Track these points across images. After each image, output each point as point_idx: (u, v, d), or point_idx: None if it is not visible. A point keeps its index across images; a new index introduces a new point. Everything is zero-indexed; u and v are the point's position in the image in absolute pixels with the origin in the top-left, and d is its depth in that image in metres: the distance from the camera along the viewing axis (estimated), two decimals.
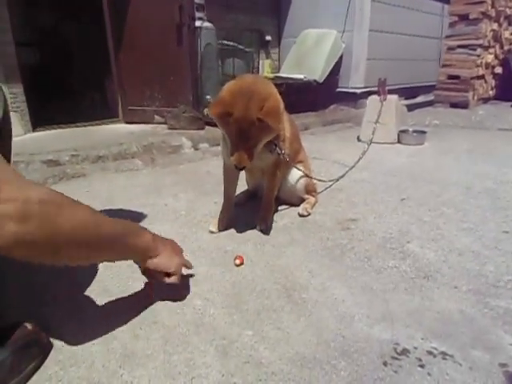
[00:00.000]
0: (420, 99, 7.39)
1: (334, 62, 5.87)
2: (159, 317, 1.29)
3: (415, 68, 7.15)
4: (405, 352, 1.13)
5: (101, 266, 1.60)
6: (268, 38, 6.68)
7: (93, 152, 3.30)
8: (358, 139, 3.95)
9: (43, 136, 4.07)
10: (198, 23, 4.72)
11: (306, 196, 2.18)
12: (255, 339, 1.19)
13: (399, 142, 3.74)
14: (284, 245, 1.77)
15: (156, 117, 4.92)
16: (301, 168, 2.06)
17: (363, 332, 1.21)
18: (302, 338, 1.19)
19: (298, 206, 2.15)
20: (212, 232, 1.83)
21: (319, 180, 2.25)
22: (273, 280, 1.50)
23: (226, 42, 5.43)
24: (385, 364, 1.09)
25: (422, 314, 1.30)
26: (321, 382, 1.03)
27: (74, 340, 1.18)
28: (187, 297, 1.39)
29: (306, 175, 2.09)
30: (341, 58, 6.07)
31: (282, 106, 1.68)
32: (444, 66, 5.94)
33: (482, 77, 5.91)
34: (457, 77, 5.79)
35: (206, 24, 4.88)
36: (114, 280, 1.50)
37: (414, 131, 3.82)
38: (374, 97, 3.79)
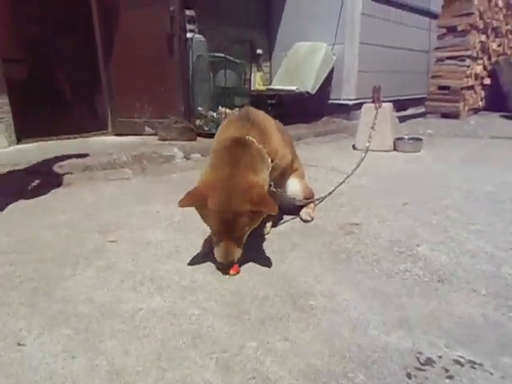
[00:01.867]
0: (410, 112, 7.46)
1: (325, 74, 5.89)
2: (151, 329, 1.15)
3: (405, 81, 7.24)
4: (429, 362, 1.01)
5: (88, 272, 1.45)
6: (259, 51, 6.71)
7: (79, 162, 3.18)
8: (354, 147, 3.90)
9: (28, 148, 3.92)
10: (189, 35, 4.70)
11: (304, 201, 2.08)
12: (260, 351, 1.05)
13: (395, 149, 3.70)
14: (285, 250, 1.66)
15: (146, 128, 4.82)
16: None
17: (380, 340, 1.09)
18: (312, 348, 1.07)
19: (294, 214, 2.04)
20: (202, 254, 1.61)
21: (317, 199, 2.15)
22: (276, 287, 1.37)
23: (217, 54, 5.42)
24: (409, 376, 0.97)
25: (442, 319, 1.18)
26: None
27: (52, 356, 1.03)
28: (181, 307, 1.26)
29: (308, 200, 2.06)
30: (332, 70, 6.10)
31: (269, 123, 1.69)
32: (434, 77, 6.02)
33: (471, 87, 5.99)
34: (447, 87, 5.86)
35: (197, 36, 4.86)
36: (103, 288, 1.36)
37: (410, 138, 3.78)
38: (369, 104, 3.76)
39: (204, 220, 1.44)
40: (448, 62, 5.83)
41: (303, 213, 2.01)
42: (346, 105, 6.17)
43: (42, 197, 2.40)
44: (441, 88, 5.93)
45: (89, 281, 1.42)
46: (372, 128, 3.51)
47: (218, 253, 1.41)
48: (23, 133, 4.08)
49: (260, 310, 1.23)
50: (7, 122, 3.98)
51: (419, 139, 3.76)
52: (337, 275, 1.45)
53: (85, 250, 1.67)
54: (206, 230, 1.57)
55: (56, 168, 2.87)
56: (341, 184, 2.52)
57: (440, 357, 1.03)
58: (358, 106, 5.86)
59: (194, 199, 1.38)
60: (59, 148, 3.89)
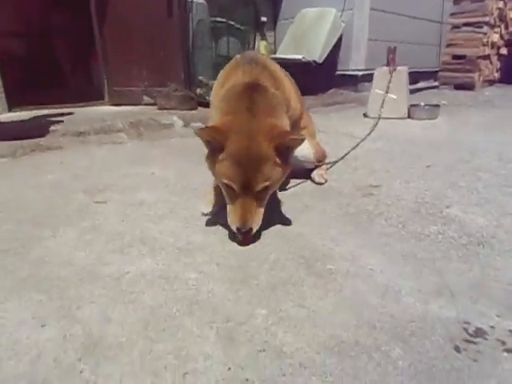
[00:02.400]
0: (421, 85, 7.13)
1: (333, 42, 5.55)
2: (139, 294, 0.96)
3: (416, 52, 6.87)
4: (480, 333, 0.82)
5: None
6: (263, 19, 6.34)
7: (73, 127, 2.95)
8: (365, 115, 3.64)
9: (19, 115, 3.69)
10: None
11: (317, 164, 1.87)
12: (271, 320, 0.86)
13: (410, 116, 3.44)
14: (296, 211, 1.45)
15: (145, 97, 4.55)
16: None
17: (417, 309, 0.90)
18: (334, 317, 0.87)
19: (303, 178, 1.82)
20: (204, 214, 1.42)
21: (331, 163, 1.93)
22: (287, 249, 1.17)
23: (219, 19, 5.09)
24: (457, 350, 0.77)
25: (489, 286, 0.98)
26: (372, 375, 0.71)
27: (17, 323, 0.84)
28: (176, 270, 1.06)
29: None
30: (340, 38, 5.76)
31: (278, 68, 1.52)
32: (448, 45, 5.68)
33: (487, 57, 5.66)
34: (462, 56, 5.53)
35: (199, 0, 4.54)
36: (85, 250, 1.17)
37: (426, 105, 3.52)
38: (383, 68, 3.48)
39: (216, 172, 1.20)
40: (464, 29, 5.48)
41: (315, 174, 1.80)
42: (355, 76, 5.85)
43: (30, 158, 2.19)
44: (456, 57, 5.60)
45: (70, 242, 1.22)
46: (386, 93, 3.25)
47: (232, 215, 1.18)
48: (15, 102, 3.85)
49: (270, 275, 1.04)
50: None
51: (436, 105, 3.49)
52: (358, 238, 1.24)
53: (68, 210, 1.47)
54: (205, 193, 1.36)
55: (47, 131, 2.66)
56: (355, 147, 2.30)
57: (492, 327, 0.83)
58: (368, 78, 5.55)
59: (214, 134, 1.15)
60: (52, 116, 3.66)
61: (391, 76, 3.34)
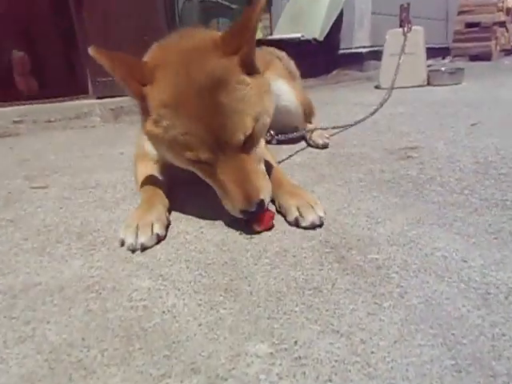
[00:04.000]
0: (430, 62, 6.65)
1: (334, 17, 5.09)
2: (41, 323, 0.53)
3: (423, 27, 6.41)
4: None
5: None
6: None
7: (43, 117, 2.54)
8: (377, 87, 3.19)
9: None
10: None
11: (306, 123, 1.46)
12: (278, 367, 0.43)
13: (429, 83, 2.98)
14: (308, 183, 1.02)
15: None
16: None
17: None
18: (403, 358, 0.44)
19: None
20: (139, 248, 0.72)
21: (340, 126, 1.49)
22: (301, 234, 0.75)
23: None
24: None
25: None
26: None
27: None
28: (117, 275, 0.64)
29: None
30: (341, 14, 5.30)
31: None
32: (460, 13, 5.19)
33: (503, 24, 5.17)
34: (476, 24, 5.03)
35: None
36: None
37: (448, 69, 3.06)
38: (395, 29, 3.04)
39: (161, 146, 0.77)
40: None
41: (315, 136, 1.39)
42: (360, 54, 5.38)
43: None
44: (469, 26, 5.11)
45: None
46: (400, 56, 2.80)
47: (225, 196, 0.75)
48: None
49: (273, 274, 0.61)
50: None
51: (460, 69, 3.03)
52: (408, 211, 0.81)
53: None
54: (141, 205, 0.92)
55: (4, 121, 2.25)
56: (373, 113, 1.86)
57: None
58: (374, 55, 5.09)
59: (122, 64, 0.71)
60: (29, 111, 3.25)
61: (405, 38, 2.89)
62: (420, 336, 0.47)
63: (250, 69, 0.73)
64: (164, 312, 0.54)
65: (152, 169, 0.94)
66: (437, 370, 0.42)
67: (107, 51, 0.70)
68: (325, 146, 1.36)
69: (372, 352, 0.45)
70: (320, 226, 0.76)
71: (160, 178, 0.93)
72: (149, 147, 0.87)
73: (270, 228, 0.77)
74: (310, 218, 0.76)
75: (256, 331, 0.49)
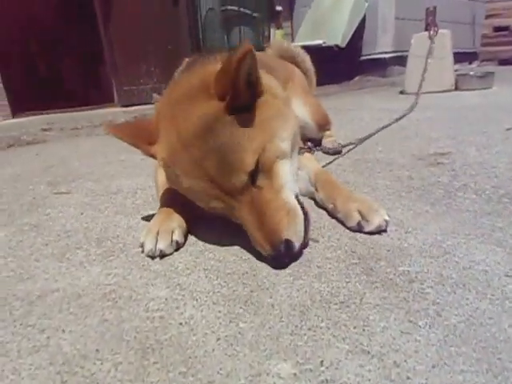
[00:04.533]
0: (456, 67, 6.46)
1: (357, 23, 5.04)
2: (55, 332, 0.52)
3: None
4: None
5: None
6: (279, 8, 5.93)
7: (70, 124, 2.61)
8: (402, 92, 3.11)
9: (20, 122, 3.42)
10: None
11: (321, 134, 1.44)
12: None
13: (457, 88, 2.88)
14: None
15: (154, 95, 4.21)
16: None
17: None
18: None
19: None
20: (159, 255, 0.71)
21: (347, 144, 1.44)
22: (326, 243, 0.71)
23: (230, 7, 4.72)
24: None
25: None
26: None
27: None
28: (134, 283, 0.62)
29: None
30: (363, 20, 5.24)
31: None
32: (488, 16, 5.03)
33: None
34: (505, 28, 4.86)
35: None
36: (7, 257, 0.75)
37: (477, 73, 2.94)
38: (421, 33, 2.96)
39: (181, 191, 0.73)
40: None
41: (326, 142, 1.40)
42: (382, 59, 5.29)
43: (5, 152, 1.83)
44: (497, 29, 4.94)
45: None
46: (427, 60, 2.72)
47: (251, 236, 0.66)
48: (20, 107, 3.59)
49: (296, 287, 0.57)
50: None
51: (490, 73, 2.91)
52: (442, 220, 0.76)
53: (16, 204, 1.07)
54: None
55: (33, 129, 2.32)
56: (399, 119, 1.80)
57: None
58: (397, 61, 4.99)
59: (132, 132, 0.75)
60: (57, 119, 3.36)
61: (432, 42, 2.80)
62: (462, 360, 0.42)
63: (255, 94, 0.68)
64: (181, 324, 0.52)
65: None
66: None
67: (117, 125, 0.76)
68: (336, 152, 1.31)
69: (408, 377, 0.40)
70: (385, 230, 0.72)
71: None
72: None
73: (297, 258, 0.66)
74: (375, 221, 0.71)
75: (278, 348, 0.46)
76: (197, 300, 0.57)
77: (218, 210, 0.70)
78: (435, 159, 1.16)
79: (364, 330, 0.48)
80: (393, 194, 0.92)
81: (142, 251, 0.71)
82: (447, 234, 0.70)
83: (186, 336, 0.49)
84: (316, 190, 0.87)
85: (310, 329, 0.49)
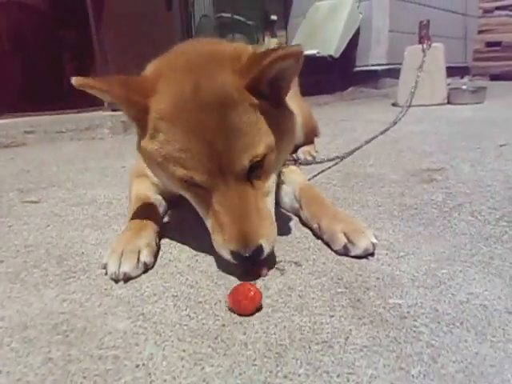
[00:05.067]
0: (448, 81, 6.53)
1: (351, 35, 5.05)
2: None
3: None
4: None
5: None
6: (273, 17, 5.93)
7: (54, 127, 2.52)
8: (394, 105, 3.09)
9: (5, 123, 3.32)
10: None
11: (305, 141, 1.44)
12: None
13: (449, 102, 2.87)
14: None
15: None
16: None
17: None
18: None
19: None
20: (125, 277, 0.63)
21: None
22: (309, 269, 0.64)
23: (224, 14, 4.71)
24: None
25: None
26: None
27: None
28: (90, 312, 0.55)
29: None
30: (357, 32, 5.26)
31: None
32: (481, 32, 5.10)
33: None
34: (498, 43, 4.92)
35: None
36: None
37: (469, 88, 2.94)
38: (414, 46, 2.95)
39: (153, 162, 0.66)
40: (497, 12, 4.90)
41: (300, 151, 1.38)
42: (375, 71, 5.31)
43: None
44: (489, 45, 5.00)
45: None
46: (419, 71, 2.71)
47: (218, 232, 0.62)
48: (5, 108, 3.48)
49: (273, 321, 0.51)
50: None
51: (482, 87, 2.91)
52: (435, 244, 0.70)
53: None
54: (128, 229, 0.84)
55: (14, 131, 2.23)
56: (386, 130, 1.76)
57: None
58: (390, 73, 5.00)
59: (122, 86, 0.62)
60: (41, 122, 3.26)
61: (424, 54, 2.80)
62: None
63: (276, 100, 0.65)
64: (137, 366, 0.44)
65: (148, 188, 0.86)
66: None
67: (94, 77, 0.63)
68: (307, 164, 1.28)
69: None
70: (372, 254, 0.67)
71: (155, 198, 0.84)
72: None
73: (266, 274, 0.62)
74: (362, 244, 0.66)
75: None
76: (160, 335, 0.49)
77: (188, 189, 0.65)
78: (428, 175, 1.11)
79: (349, 379, 0.41)
80: (384, 212, 0.86)
81: (106, 273, 0.64)
82: (442, 260, 0.64)
83: (141, 383, 0.42)
84: (300, 207, 0.80)
85: (286, 376, 0.42)
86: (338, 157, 1.33)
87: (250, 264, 0.60)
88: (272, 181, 0.67)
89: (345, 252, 0.67)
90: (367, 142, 1.54)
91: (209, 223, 0.65)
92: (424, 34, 2.83)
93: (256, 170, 0.62)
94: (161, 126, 0.61)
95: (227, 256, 0.61)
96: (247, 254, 0.58)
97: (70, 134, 2.24)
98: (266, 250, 0.60)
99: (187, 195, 0.67)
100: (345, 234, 0.67)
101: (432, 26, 5.77)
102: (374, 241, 0.67)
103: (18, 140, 2.04)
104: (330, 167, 1.26)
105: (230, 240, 0.59)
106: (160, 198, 0.86)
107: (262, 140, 0.61)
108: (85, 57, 4.67)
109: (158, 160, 0.64)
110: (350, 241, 0.67)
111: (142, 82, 0.65)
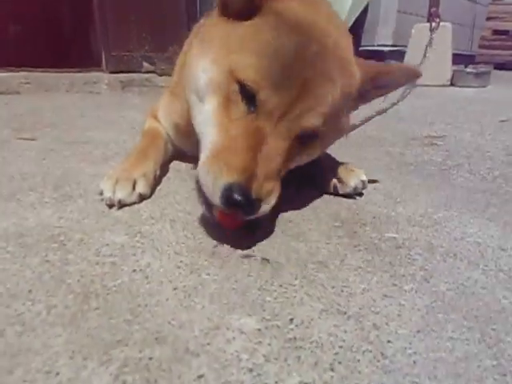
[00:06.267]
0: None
1: (358, 11, 4.94)
2: None
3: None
4: None
5: None
6: None
7: (49, 81, 2.46)
8: None
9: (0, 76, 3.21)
10: None
11: None
12: (268, 338, 0.33)
13: (453, 84, 2.85)
14: None
15: (145, 64, 4.02)
16: None
17: None
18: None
19: None
20: (120, 203, 0.61)
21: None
22: (305, 208, 0.65)
23: None
24: None
25: None
26: None
27: None
28: (89, 227, 0.55)
29: None
30: (365, 11, 5.14)
31: None
32: (489, 18, 5.01)
33: None
34: (505, 32, 4.85)
35: None
36: None
37: (474, 70, 2.92)
38: (422, 24, 2.90)
39: (227, 48, 0.53)
40: (508, 0, 4.80)
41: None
42: (381, 51, 5.22)
43: None
44: (497, 33, 4.93)
45: None
46: (425, 53, 2.66)
47: (219, 155, 0.50)
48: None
49: (274, 249, 0.51)
50: None
51: (486, 71, 2.89)
52: (433, 193, 0.71)
53: None
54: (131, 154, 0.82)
55: (9, 81, 2.17)
56: (399, 101, 1.74)
57: None
58: (396, 55, 4.93)
59: None
60: (36, 76, 3.17)
61: (432, 34, 2.75)
62: (451, 327, 0.37)
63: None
64: (134, 271, 0.45)
65: (160, 126, 0.83)
66: (474, 370, 0.32)
67: None
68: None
69: (388, 341, 0.35)
70: (361, 194, 0.67)
71: (165, 133, 0.82)
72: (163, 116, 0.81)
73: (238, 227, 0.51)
74: (351, 182, 0.66)
75: (243, 302, 0.40)
76: (157, 249, 0.50)
77: (220, 96, 0.52)
78: (429, 141, 1.12)
79: (342, 290, 0.42)
80: (383, 166, 0.86)
81: (102, 199, 0.63)
82: (439, 206, 0.65)
83: (138, 284, 0.42)
84: None
85: (281, 285, 0.43)
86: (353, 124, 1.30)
87: (237, 212, 0.47)
88: (303, 161, 0.59)
89: (334, 191, 0.67)
90: (378, 113, 1.51)
91: (208, 152, 0.51)
92: (433, 12, 2.77)
93: (302, 139, 0.53)
94: (268, 19, 0.52)
95: (215, 188, 0.46)
96: (243, 199, 0.45)
97: (66, 86, 2.18)
98: (263, 210, 0.49)
99: (210, 102, 0.53)
100: (334, 174, 0.68)
101: (443, 10, 5.62)
102: (364, 178, 0.67)
103: (12, 88, 1.99)
104: None
105: (231, 168, 0.46)
106: (170, 135, 0.83)
107: (336, 123, 0.57)
108: (83, 15, 4.51)
109: (229, 43, 0.53)
110: (339, 180, 0.67)
111: None
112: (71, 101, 1.78)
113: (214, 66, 0.53)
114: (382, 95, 0.68)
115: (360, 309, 0.39)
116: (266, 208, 0.49)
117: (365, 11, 5.19)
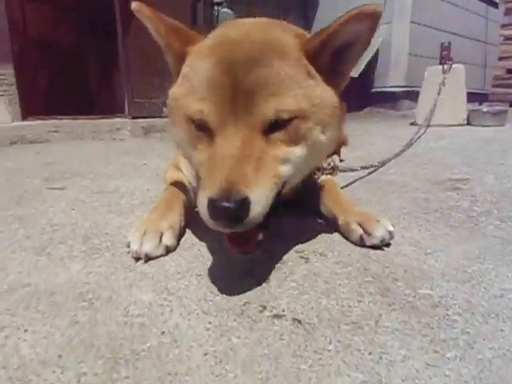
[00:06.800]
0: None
1: (370, 55, 5.12)
2: (15, 341, 0.44)
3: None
4: None
5: None
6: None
7: (76, 129, 2.59)
8: (412, 124, 3.08)
9: (32, 124, 3.42)
10: (215, 7, 4.16)
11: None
12: None
13: (469, 123, 2.85)
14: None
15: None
16: None
17: None
18: None
19: None
20: (146, 256, 0.62)
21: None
22: (333, 260, 0.63)
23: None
24: None
25: None
26: None
27: None
28: (115, 283, 0.55)
29: None
30: (376, 54, 5.33)
31: None
32: (501, 58, 5.09)
33: None
34: None
35: (226, 10, 4.30)
36: None
37: (490, 110, 2.92)
38: (435, 67, 2.97)
39: (176, 102, 0.61)
40: None
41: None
42: (393, 93, 5.33)
43: (4, 149, 1.79)
44: (510, 71, 4.99)
45: None
46: (439, 94, 2.71)
47: (208, 177, 0.54)
48: (30, 110, 3.59)
49: (305, 308, 0.50)
50: (10, 96, 3.48)
51: (503, 110, 2.89)
52: (464, 244, 0.68)
53: (6, 196, 1.01)
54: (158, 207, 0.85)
55: (39, 130, 2.30)
56: (414, 141, 1.75)
57: None
58: (408, 95, 5.03)
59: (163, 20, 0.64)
60: (64, 124, 3.35)
61: (445, 76, 2.80)
62: None
63: (335, 76, 0.61)
64: (163, 333, 0.44)
65: (182, 175, 0.86)
66: None
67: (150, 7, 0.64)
68: (328, 173, 0.85)
69: None
70: (388, 244, 0.66)
71: (187, 182, 0.84)
72: (184, 166, 0.84)
73: (248, 252, 0.55)
74: (378, 233, 0.65)
75: (276, 371, 0.38)
76: (185, 307, 0.49)
77: (192, 134, 0.58)
78: (452, 184, 1.10)
79: (381, 357, 0.40)
80: (408, 214, 0.85)
81: (129, 252, 0.64)
82: (472, 258, 0.63)
83: (167, 348, 0.41)
84: (319, 199, 0.80)
85: (315, 351, 0.41)
86: (372, 165, 1.27)
87: (231, 222, 0.48)
88: (297, 154, 0.58)
89: (361, 243, 0.66)
90: (396, 155, 1.50)
91: (202, 177, 0.57)
92: (445, 55, 2.84)
93: (280, 130, 0.55)
94: (195, 59, 0.59)
95: (203, 209, 0.50)
96: (226, 204, 0.47)
97: (92, 134, 2.29)
98: (255, 209, 0.49)
99: (190, 144, 0.60)
100: (360, 225, 0.67)
101: (454, 51, 5.78)
102: (391, 229, 0.66)
103: (42, 137, 2.10)
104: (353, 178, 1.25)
105: (210, 186, 0.50)
106: (191, 184, 0.85)
107: (296, 100, 0.55)
108: (109, 64, 4.82)
109: (179, 101, 0.60)
110: (365, 231, 0.66)
111: (189, 32, 0.65)
112: (96, 148, 1.86)
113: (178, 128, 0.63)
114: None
115: (403, 380, 0.37)
116: (257, 212, 0.49)
117: (375, 56, 5.39)
